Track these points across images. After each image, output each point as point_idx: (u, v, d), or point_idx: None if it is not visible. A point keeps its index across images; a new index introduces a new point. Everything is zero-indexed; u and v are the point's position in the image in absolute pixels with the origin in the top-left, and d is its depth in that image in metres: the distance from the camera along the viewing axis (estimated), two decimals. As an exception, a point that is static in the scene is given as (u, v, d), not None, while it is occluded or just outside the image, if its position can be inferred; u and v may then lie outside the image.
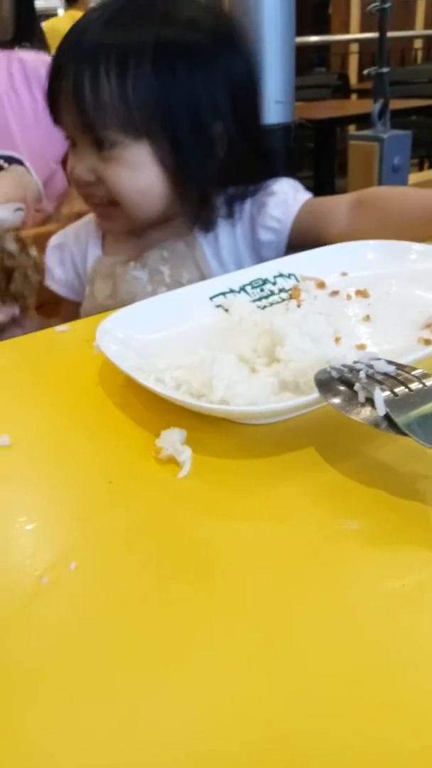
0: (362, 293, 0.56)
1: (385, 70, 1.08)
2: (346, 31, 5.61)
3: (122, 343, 0.46)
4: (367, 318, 0.51)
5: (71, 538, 0.32)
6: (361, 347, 0.46)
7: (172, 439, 0.37)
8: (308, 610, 0.27)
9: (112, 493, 0.35)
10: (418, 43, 5.53)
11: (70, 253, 0.79)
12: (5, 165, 0.95)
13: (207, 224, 0.70)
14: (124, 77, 0.59)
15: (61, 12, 4.78)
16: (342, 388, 0.36)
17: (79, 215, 0.88)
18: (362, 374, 0.35)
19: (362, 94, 4.64)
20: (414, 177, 1.19)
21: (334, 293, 0.56)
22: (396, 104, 3.16)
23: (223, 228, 0.72)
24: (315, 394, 0.36)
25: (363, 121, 3.04)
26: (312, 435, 0.38)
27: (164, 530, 0.32)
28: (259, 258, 0.72)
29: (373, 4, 1.05)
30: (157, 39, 0.60)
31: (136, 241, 0.74)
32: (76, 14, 4.11)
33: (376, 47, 1.14)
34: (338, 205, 0.70)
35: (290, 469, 0.36)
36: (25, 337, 0.55)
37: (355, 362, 0.37)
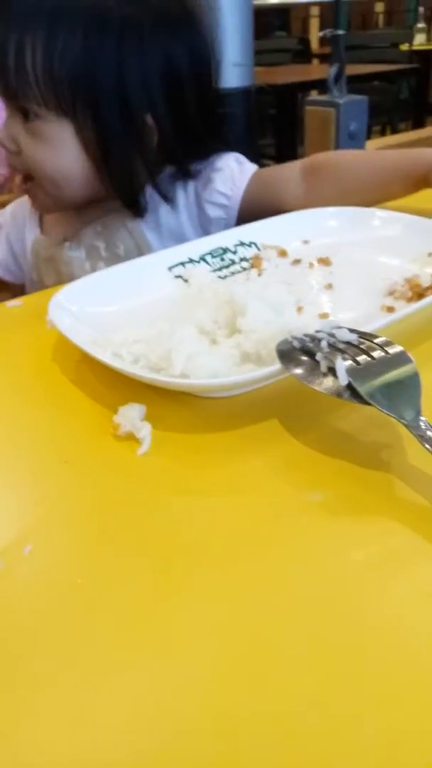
0: (324, 261, 0.55)
1: (340, 32, 1.05)
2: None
3: (76, 316, 0.44)
4: (330, 286, 0.50)
5: (25, 522, 0.30)
6: (324, 316, 0.45)
7: (131, 415, 0.36)
8: (274, 582, 0.26)
9: (67, 472, 0.33)
10: (379, 7, 5.46)
11: (6, 233, 0.76)
12: None
13: (138, 210, 0.66)
14: (51, 48, 0.55)
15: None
16: (304, 358, 0.35)
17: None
18: (324, 344, 0.34)
19: (324, 59, 4.58)
20: (371, 143, 1.18)
21: (296, 262, 0.55)
22: (357, 69, 3.12)
23: (162, 207, 0.68)
24: (277, 366, 0.35)
25: (325, 86, 3.00)
26: (275, 406, 0.37)
27: (124, 510, 0.31)
28: (206, 234, 0.70)
29: (332, -38, 1.02)
30: (93, 10, 0.56)
31: (73, 218, 0.70)
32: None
33: (334, 7, 1.11)
34: (289, 173, 0.68)
35: (253, 442, 0.35)
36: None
37: (317, 331, 0.36)
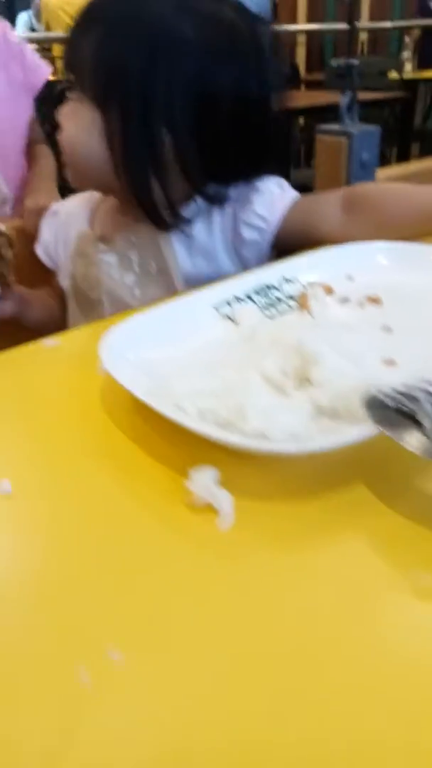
0: (374, 300, 0.52)
1: (355, 62, 1.05)
2: (294, 20, 5.58)
3: (132, 363, 0.40)
4: (387, 329, 0.48)
5: (103, 615, 0.27)
6: (390, 363, 0.42)
7: (205, 481, 0.32)
8: (389, 692, 0.23)
9: (144, 552, 0.30)
10: (364, 35, 5.57)
11: (60, 220, 0.77)
12: None
13: (162, 225, 0.65)
14: (102, 45, 0.59)
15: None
16: (394, 415, 0.32)
17: (43, 209, 0.82)
18: (428, 406, 0.31)
19: (310, 85, 4.64)
20: (381, 172, 1.16)
21: (344, 300, 0.52)
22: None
23: (197, 223, 0.67)
24: (369, 426, 0.32)
25: (314, 113, 3.03)
26: (359, 467, 0.34)
27: (209, 592, 0.27)
28: (239, 257, 0.68)
29: (346, -7, 1.02)
30: (151, 18, 0.58)
31: (119, 219, 0.70)
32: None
33: (347, 38, 1.11)
34: (329, 203, 0.67)
35: (342, 512, 0.31)
36: (10, 353, 0.48)
37: (407, 386, 0.33)
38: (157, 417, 0.36)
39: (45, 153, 0.99)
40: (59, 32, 2.90)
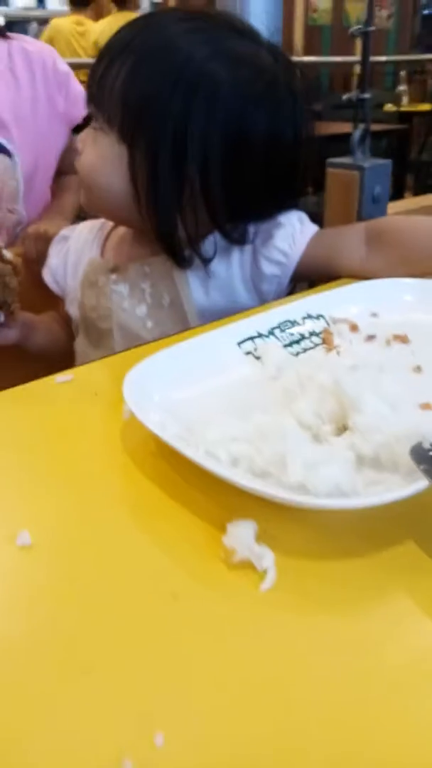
0: (401, 338, 0.50)
1: (367, 95, 1.05)
2: (291, 53, 5.70)
3: (157, 405, 0.38)
4: (418, 369, 0.46)
5: (153, 708, 0.24)
6: (426, 406, 0.41)
7: (243, 536, 0.30)
8: None
9: (177, 614, 0.27)
10: (357, 69, 5.69)
11: (69, 245, 0.75)
12: None
13: (179, 260, 0.64)
14: (129, 78, 0.58)
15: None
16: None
17: (44, 235, 0.81)
18: None
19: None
20: (392, 206, 1.17)
21: (370, 338, 0.51)
22: (343, 128, 3.21)
23: (216, 258, 0.65)
24: (418, 479, 0.30)
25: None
26: (409, 522, 0.32)
27: (254, 664, 0.25)
28: (256, 290, 0.67)
29: (357, 27, 1.02)
30: (178, 56, 0.57)
31: (131, 249, 0.69)
32: (81, 18, 4.01)
33: (360, 71, 1.11)
34: (351, 238, 0.66)
35: (393, 572, 0.29)
36: (23, 389, 0.46)
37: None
38: (186, 463, 0.34)
39: (71, 186, 0.96)
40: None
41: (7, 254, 0.67)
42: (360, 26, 1.04)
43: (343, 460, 0.33)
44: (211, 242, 0.64)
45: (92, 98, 0.62)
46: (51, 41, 3.56)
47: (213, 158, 0.58)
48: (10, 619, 0.28)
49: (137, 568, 0.30)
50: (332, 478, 0.31)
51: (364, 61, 1.07)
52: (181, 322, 0.66)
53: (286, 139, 0.61)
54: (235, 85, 0.57)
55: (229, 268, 0.66)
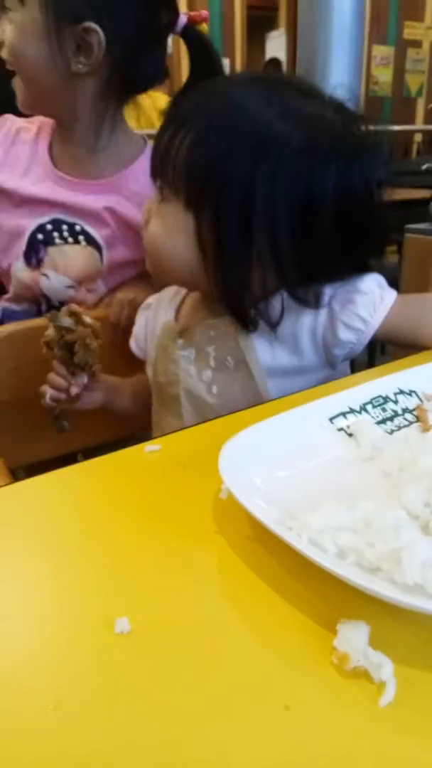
0: None
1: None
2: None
3: (256, 487, 0.37)
4: None
5: None
6: None
7: (357, 641, 0.28)
8: None
9: (291, 725, 0.25)
10: (418, 137, 5.79)
11: (151, 312, 0.77)
12: (83, 243, 0.89)
13: (245, 325, 0.64)
14: (194, 146, 0.57)
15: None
16: None
17: (133, 304, 0.83)
18: None
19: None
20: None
21: (467, 416, 0.49)
22: (410, 194, 3.24)
23: (284, 318, 0.64)
24: None
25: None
26: None
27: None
28: (327, 354, 0.65)
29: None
30: (243, 119, 0.56)
31: (203, 313, 0.69)
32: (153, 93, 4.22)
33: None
34: None
35: None
36: (111, 458, 0.46)
37: None
38: (287, 551, 0.32)
39: None
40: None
41: (87, 319, 0.70)
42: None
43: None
44: (278, 301, 0.63)
45: (156, 169, 0.61)
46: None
47: (281, 220, 0.57)
48: (111, 713, 0.26)
49: (244, 671, 0.28)
50: (452, 579, 0.29)
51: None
52: (248, 383, 0.65)
53: (357, 195, 0.59)
54: (301, 144, 0.56)
55: (298, 328, 0.64)
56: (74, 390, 0.70)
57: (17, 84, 0.83)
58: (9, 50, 0.79)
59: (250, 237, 0.58)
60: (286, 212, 0.57)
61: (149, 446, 0.47)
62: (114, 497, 0.42)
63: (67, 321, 0.68)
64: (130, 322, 0.79)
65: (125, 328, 0.80)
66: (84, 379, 0.71)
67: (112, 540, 0.37)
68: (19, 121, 0.92)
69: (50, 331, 0.69)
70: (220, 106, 0.59)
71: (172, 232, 0.61)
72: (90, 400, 0.73)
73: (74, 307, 0.69)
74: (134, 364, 0.79)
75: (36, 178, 0.89)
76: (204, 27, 0.86)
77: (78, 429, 0.78)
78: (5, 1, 0.78)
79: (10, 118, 0.92)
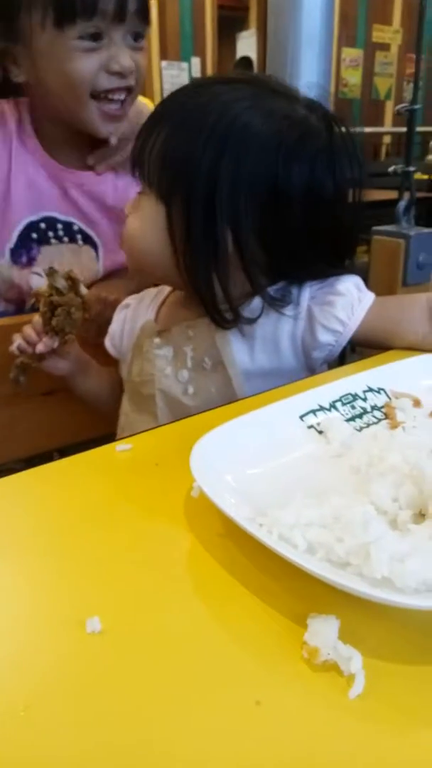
0: (467, 415, 0.49)
1: (411, 168, 1.07)
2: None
3: (227, 484, 0.37)
4: None
5: None
6: None
7: (326, 635, 0.28)
8: None
9: (262, 720, 0.25)
10: (387, 138, 5.88)
11: (129, 313, 0.77)
12: (80, 244, 0.88)
13: (221, 322, 0.64)
14: (166, 143, 0.59)
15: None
16: None
17: (105, 301, 0.82)
18: None
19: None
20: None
21: (434, 414, 0.50)
22: (377, 195, 3.29)
23: (264, 317, 0.65)
24: None
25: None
26: None
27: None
28: (306, 356, 0.65)
29: (402, 105, 1.06)
30: (221, 115, 0.57)
31: (181, 313, 0.69)
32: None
33: (406, 145, 1.15)
34: (412, 310, 0.64)
35: None
36: (81, 457, 0.46)
37: None
38: (258, 547, 0.32)
39: None
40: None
41: (83, 290, 0.69)
42: (405, 104, 1.08)
43: (422, 549, 0.32)
44: (258, 303, 0.63)
45: (136, 162, 0.63)
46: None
47: (245, 215, 0.58)
48: (80, 709, 0.26)
49: (216, 667, 0.28)
50: (419, 573, 0.29)
51: (409, 136, 1.09)
52: (224, 385, 0.65)
53: (325, 192, 0.59)
54: (268, 139, 0.57)
55: (278, 330, 0.64)
56: (40, 347, 0.70)
57: None
58: None
59: (215, 231, 0.58)
60: (249, 205, 0.58)
61: (120, 445, 0.47)
62: (85, 496, 0.42)
63: (61, 282, 0.68)
64: (101, 318, 0.78)
65: (101, 326, 0.79)
66: (54, 343, 0.70)
67: (82, 539, 0.37)
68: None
69: (44, 286, 0.68)
70: (193, 104, 0.60)
71: (146, 225, 0.62)
72: (54, 365, 0.73)
73: (75, 273, 0.69)
74: (108, 365, 0.78)
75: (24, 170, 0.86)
76: None
77: (56, 426, 0.77)
78: None
79: None
